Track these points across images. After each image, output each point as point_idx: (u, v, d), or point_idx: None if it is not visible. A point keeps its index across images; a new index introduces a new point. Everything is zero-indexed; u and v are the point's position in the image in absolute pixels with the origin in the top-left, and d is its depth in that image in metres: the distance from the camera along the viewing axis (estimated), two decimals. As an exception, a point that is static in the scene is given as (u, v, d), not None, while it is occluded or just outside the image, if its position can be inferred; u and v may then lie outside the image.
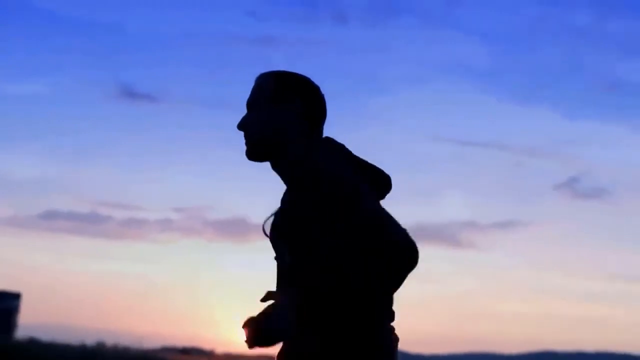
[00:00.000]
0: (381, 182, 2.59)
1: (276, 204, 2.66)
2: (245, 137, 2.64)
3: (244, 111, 2.68)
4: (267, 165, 2.66)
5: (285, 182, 2.63)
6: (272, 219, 2.64)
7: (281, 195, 2.67)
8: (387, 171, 2.62)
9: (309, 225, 2.45)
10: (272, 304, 2.40)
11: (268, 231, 2.64)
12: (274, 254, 2.63)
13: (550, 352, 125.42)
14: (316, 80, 2.70)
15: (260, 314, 2.40)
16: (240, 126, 2.65)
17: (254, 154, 2.63)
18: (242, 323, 2.44)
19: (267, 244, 2.65)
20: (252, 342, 2.42)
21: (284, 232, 2.54)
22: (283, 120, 2.59)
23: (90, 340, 24.39)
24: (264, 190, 2.42)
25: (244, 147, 2.65)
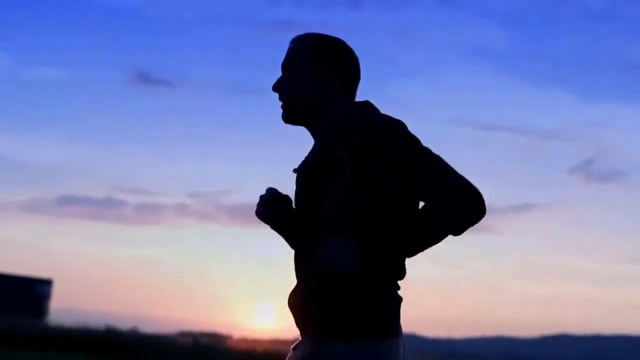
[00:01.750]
0: None
1: (292, 188, 2.69)
2: (281, 99, 2.65)
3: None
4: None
5: (323, 138, 2.63)
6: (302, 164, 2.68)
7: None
8: None
9: (363, 172, 2.48)
10: (331, 241, 2.45)
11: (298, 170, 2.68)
12: (302, 200, 2.65)
13: (567, 335, 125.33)
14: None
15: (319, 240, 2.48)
16: (275, 88, 2.65)
17: (290, 118, 2.64)
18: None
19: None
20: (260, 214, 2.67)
21: (324, 177, 2.54)
22: (320, 83, 2.60)
23: (103, 323, 24.80)
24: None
25: (279, 110, 2.66)
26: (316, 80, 2.60)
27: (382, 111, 2.58)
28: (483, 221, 2.52)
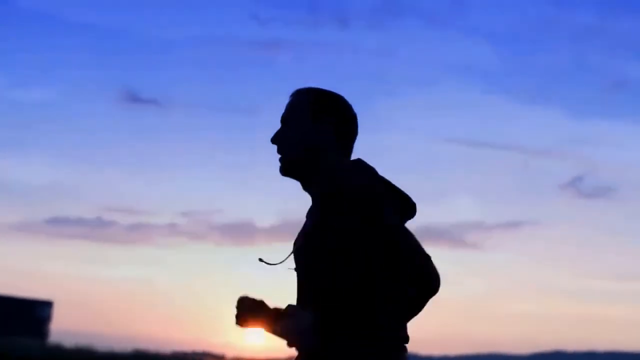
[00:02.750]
0: (406, 207, 2.60)
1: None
2: (279, 152, 2.66)
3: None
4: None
5: (314, 200, 2.65)
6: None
7: (301, 208, 2.72)
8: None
9: (337, 240, 2.48)
10: (293, 308, 2.49)
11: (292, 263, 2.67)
12: (294, 266, 2.66)
13: (561, 352, 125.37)
14: (323, 84, 2.74)
15: (276, 311, 2.50)
16: (274, 140, 2.66)
17: (288, 171, 2.65)
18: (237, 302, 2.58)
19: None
20: (240, 320, 2.59)
21: (313, 246, 2.55)
22: (318, 139, 2.61)
23: (100, 345, 24.79)
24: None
25: (277, 163, 2.67)
26: (315, 134, 2.61)
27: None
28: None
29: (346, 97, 2.69)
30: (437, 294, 2.56)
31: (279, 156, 2.65)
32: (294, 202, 2.92)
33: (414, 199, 2.59)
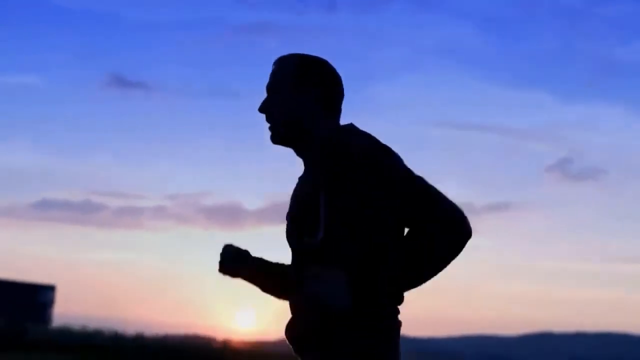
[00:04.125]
0: None
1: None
2: (268, 120, 2.67)
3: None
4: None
5: (309, 164, 2.66)
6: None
7: (286, 180, 2.74)
8: None
9: (346, 200, 2.47)
10: (322, 278, 2.48)
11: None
12: (291, 237, 2.65)
13: (549, 334, 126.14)
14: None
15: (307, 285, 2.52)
16: (261, 109, 2.67)
17: (278, 138, 2.66)
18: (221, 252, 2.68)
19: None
20: (221, 267, 2.67)
21: (312, 210, 2.55)
22: (304, 103, 2.61)
23: (92, 327, 24.94)
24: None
25: (257, 132, 2.70)
26: (301, 101, 2.62)
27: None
28: None
29: None
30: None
31: (268, 125, 2.66)
32: (282, 184, 3.02)
33: None
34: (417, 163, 2.53)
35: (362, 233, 2.46)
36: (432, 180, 2.50)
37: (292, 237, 2.63)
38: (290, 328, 2.59)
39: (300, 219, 2.60)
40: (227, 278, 2.70)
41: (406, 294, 2.53)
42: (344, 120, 2.67)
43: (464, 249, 2.48)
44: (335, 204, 2.48)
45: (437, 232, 2.44)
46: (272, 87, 2.66)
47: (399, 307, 2.53)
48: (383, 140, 2.53)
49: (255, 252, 2.73)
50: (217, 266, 2.70)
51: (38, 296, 36.68)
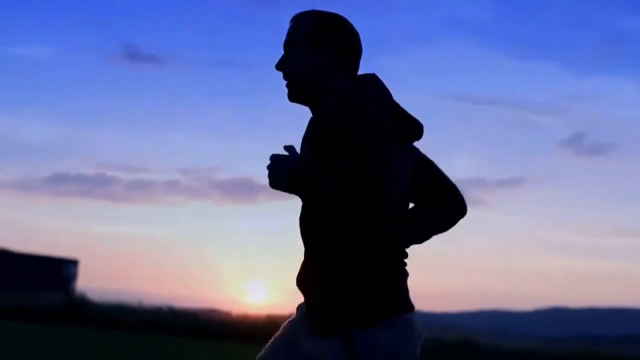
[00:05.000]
0: (410, 128, 2.61)
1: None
2: (285, 78, 2.66)
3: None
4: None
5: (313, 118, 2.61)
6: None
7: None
8: None
9: (328, 152, 2.42)
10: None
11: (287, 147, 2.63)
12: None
13: (562, 309, 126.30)
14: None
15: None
16: (278, 66, 2.67)
17: (294, 95, 2.64)
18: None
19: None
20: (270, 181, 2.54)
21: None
22: (321, 59, 2.61)
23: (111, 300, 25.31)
24: (270, 150, 2.60)
25: (285, 90, 2.66)
26: (317, 57, 2.61)
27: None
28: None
29: None
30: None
31: (285, 82, 2.66)
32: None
33: None
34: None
35: (360, 180, 2.42)
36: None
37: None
38: (304, 276, 2.56)
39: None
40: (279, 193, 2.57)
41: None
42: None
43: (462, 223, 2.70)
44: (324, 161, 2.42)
45: (445, 204, 2.66)
46: (288, 43, 2.66)
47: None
48: None
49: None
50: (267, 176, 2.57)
51: (62, 270, 37.06)
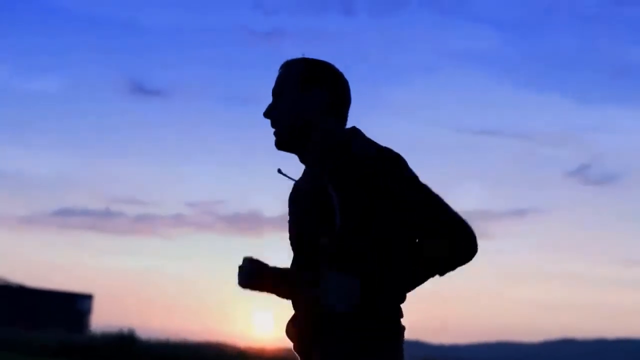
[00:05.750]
0: None
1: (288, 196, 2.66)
2: (272, 125, 2.60)
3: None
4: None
5: (311, 166, 2.61)
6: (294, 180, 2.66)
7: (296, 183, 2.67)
8: None
9: (352, 196, 2.44)
10: (329, 279, 2.41)
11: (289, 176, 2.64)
12: (291, 235, 2.62)
13: (570, 340, 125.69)
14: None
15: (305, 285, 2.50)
16: (266, 114, 2.61)
17: (283, 144, 2.60)
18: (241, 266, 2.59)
19: (283, 236, 2.63)
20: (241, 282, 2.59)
21: (317, 208, 2.50)
22: (310, 108, 2.55)
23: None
24: (277, 183, 2.59)
25: (272, 138, 2.62)
26: (306, 104, 2.56)
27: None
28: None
29: (351, 86, 2.64)
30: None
31: (273, 130, 2.62)
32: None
33: None
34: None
35: (368, 231, 2.44)
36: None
37: (299, 240, 2.59)
38: (292, 327, 2.57)
39: (306, 219, 2.56)
40: (247, 292, 2.64)
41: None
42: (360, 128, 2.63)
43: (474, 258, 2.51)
44: (343, 199, 2.45)
45: (447, 241, 2.45)
46: (278, 90, 2.61)
47: (403, 310, 2.54)
48: (400, 145, 2.53)
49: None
50: (236, 277, 2.64)
51: (76, 304, 37.26)
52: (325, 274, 2.42)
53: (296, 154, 2.62)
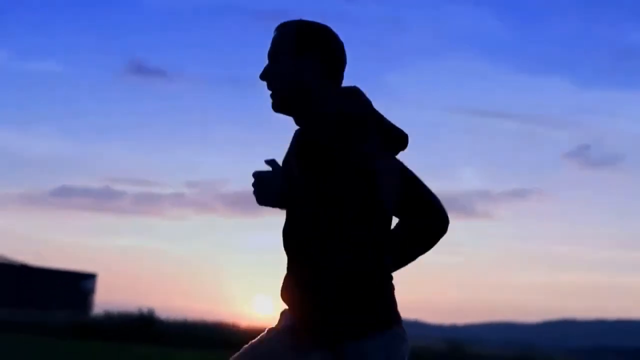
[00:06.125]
0: (396, 139, 2.57)
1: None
2: (269, 87, 2.62)
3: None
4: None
5: (307, 130, 2.63)
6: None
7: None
8: None
9: (330, 163, 2.46)
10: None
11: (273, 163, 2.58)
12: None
13: (570, 321, 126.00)
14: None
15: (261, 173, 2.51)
16: (262, 76, 2.63)
17: (279, 106, 2.61)
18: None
19: (283, 216, 2.62)
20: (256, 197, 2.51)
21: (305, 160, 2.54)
22: (305, 70, 2.58)
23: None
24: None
25: (269, 100, 2.63)
26: (302, 67, 2.58)
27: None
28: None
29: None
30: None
31: (269, 92, 2.63)
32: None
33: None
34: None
35: (347, 200, 2.45)
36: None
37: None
38: (298, 302, 2.57)
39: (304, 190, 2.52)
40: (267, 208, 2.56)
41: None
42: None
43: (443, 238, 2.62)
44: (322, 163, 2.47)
45: (427, 219, 2.57)
46: (273, 53, 2.63)
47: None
48: (401, 127, 2.56)
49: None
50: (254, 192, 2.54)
51: (80, 284, 37.42)
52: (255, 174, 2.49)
53: (292, 116, 2.64)
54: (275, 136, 2.69)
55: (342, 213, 2.43)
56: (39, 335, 21.46)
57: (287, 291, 2.60)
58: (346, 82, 2.65)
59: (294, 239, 2.56)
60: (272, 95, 2.62)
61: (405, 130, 2.56)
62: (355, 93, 2.60)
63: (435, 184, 2.59)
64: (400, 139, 2.57)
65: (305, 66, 2.58)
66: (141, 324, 23.43)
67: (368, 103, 2.58)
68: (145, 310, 24.38)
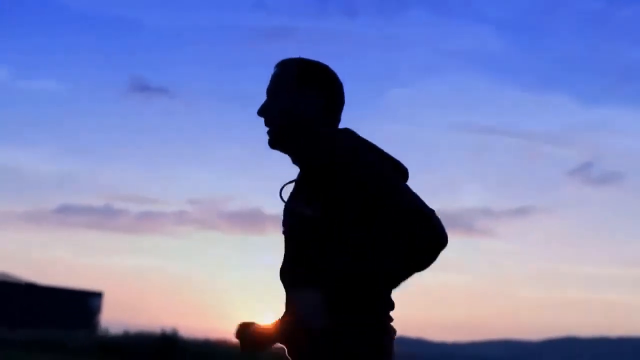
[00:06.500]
0: (397, 169, 2.55)
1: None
2: (266, 124, 2.62)
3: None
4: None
5: (303, 170, 2.60)
6: (290, 185, 2.66)
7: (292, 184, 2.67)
8: (402, 159, 2.58)
9: (336, 210, 2.43)
10: (299, 302, 2.44)
11: (285, 197, 2.63)
12: (283, 228, 2.60)
13: (573, 338, 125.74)
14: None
15: (288, 315, 2.50)
16: (260, 112, 2.62)
17: (276, 143, 2.61)
18: (236, 330, 2.56)
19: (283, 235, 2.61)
20: (242, 347, 2.54)
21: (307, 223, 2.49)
22: (303, 108, 2.56)
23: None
24: (279, 180, 2.60)
25: (266, 136, 2.63)
26: (300, 105, 2.57)
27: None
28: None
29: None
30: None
31: (267, 129, 2.63)
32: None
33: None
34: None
35: (346, 239, 2.44)
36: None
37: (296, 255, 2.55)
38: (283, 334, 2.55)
39: (296, 232, 2.54)
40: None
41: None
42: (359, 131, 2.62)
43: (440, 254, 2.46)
44: (317, 216, 2.46)
45: (408, 238, 2.39)
46: (272, 90, 2.62)
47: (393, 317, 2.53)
48: (403, 145, 2.72)
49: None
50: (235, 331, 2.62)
51: (86, 303, 37.36)
52: (297, 295, 2.45)
53: (289, 154, 2.63)
54: (278, 154, 2.72)
55: (343, 215, 2.43)
56: (60, 354, 21.49)
57: (288, 333, 2.55)
58: (349, 100, 2.65)
59: (290, 273, 2.56)
60: (269, 132, 2.62)
61: (407, 148, 2.69)
62: (352, 131, 2.58)
63: (437, 202, 2.51)
64: (402, 171, 2.56)
65: (304, 101, 2.58)
66: (164, 344, 23.47)
67: (361, 139, 2.55)
68: (168, 330, 24.41)
